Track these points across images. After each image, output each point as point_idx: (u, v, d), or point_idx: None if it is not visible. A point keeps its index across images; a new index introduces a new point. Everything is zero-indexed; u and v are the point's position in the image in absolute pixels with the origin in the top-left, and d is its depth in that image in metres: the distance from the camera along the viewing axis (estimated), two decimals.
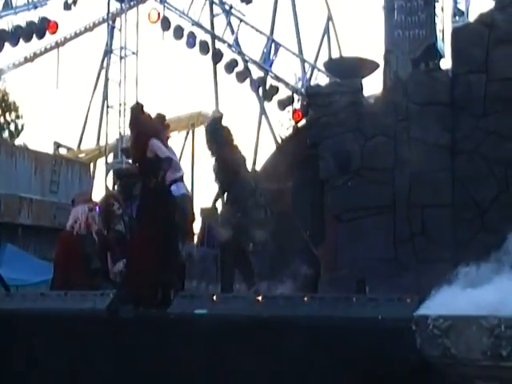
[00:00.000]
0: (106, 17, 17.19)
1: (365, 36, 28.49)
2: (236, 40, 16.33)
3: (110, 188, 13.87)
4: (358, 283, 6.79)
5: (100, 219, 5.98)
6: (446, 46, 10.90)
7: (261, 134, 18.36)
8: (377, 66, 12.11)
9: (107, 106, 16.59)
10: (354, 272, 7.68)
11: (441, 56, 11.08)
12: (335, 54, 17.85)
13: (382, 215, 8.25)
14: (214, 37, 16.41)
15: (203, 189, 14.43)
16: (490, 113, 8.11)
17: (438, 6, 12.51)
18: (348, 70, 11.44)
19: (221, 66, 16.42)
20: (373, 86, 11.43)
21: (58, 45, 18.29)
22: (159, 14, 15.95)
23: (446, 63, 10.39)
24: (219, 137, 6.32)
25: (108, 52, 16.91)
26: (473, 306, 2.56)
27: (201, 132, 14.89)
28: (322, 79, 15.26)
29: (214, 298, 4.51)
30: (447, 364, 2.62)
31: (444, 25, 12.28)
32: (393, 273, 7.70)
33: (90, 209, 5.99)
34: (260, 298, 4.32)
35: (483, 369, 2.53)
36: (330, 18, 19.32)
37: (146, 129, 5.55)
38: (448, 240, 7.75)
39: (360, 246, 8.03)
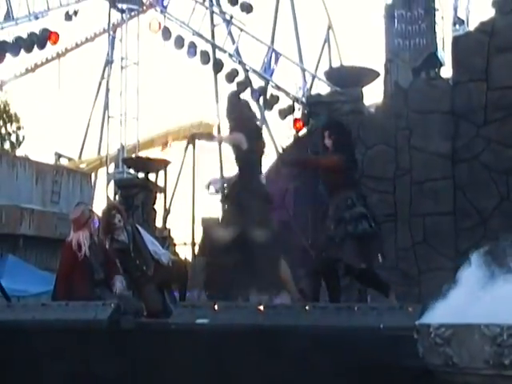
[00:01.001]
0: (106, 27, 17.29)
1: (365, 45, 28.61)
2: (237, 50, 16.40)
3: (111, 198, 13.89)
4: (360, 292, 6.78)
5: (101, 231, 5.95)
6: (446, 54, 10.95)
7: None
8: (377, 74, 12.16)
9: (108, 116, 16.66)
10: (356, 281, 7.66)
11: (441, 64, 11.13)
12: (336, 63, 17.93)
13: (384, 224, 8.26)
14: (214, 46, 16.49)
15: (203, 199, 14.44)
16: (491, 121, 8.14)
17: (438, 14, 12.57)
18: (348, 79, 11.49)
19: (222, 75, 16.49)
20: (373, 94, 11.47)
21: (59, 55, 18.39)
22: (160, 24, 16.04)
23: (446, 72, 10.44)
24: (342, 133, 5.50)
25: (109, 62, 17.00)
26: (475, 314, 2.56)
27: (201, 142, 14.91)
28: (322, 88, 15.30)
29: (216, 307, 4.51)
30: (449, 373, 2.61)
31: (444, 33, 12.34)
32: (394, 281, 7.70)
33: (90, 233, 5.92)
34: (262, 307, 4.32)
35: (485, 378, 2.52)
36: (330, 27, 19.41)
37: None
38: (450, 248, 7.76)
39: None
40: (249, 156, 5.41)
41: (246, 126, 5.42)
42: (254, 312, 4.33)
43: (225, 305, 4.88)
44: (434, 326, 2.63)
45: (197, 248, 11.98)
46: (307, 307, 4.16)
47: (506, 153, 7.97)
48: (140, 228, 6.12)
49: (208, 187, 5.60)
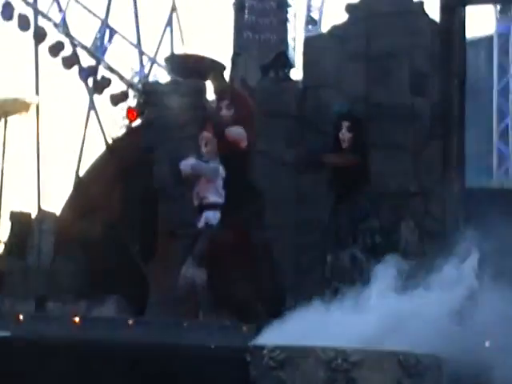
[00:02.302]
0: None
1: (212, 33, 28.91)
2: (64, 19, 15.85)
3: None
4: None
5: None
6: (298, 55, 11.37)
7: (88, 131, 17.89)
8: (223, 68, 12.36)
9: None
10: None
11: (291, 65, 11.52)
12: (178, 50, 17.94)
13: None
14: (36, 12, 15.80)
15: (13, 188, 13.78)
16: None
17: (290, 11, 13.02)
18: (191, 69, 11.54)
19: (45, 47, 15.85)
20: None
21: None
22: None
23: (297, 74, 10.83)
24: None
25: None
26: (309, 336, 2.70)
27: (15, 121, 14.23)
28: (161, 76, 15.25)
29: (21, 317, 4.35)
30: None
31: (296, 33, 12.83)
32: None
33: None
34: (77, 319, 4.23)
35: None
36: (174, 9, 19.36)
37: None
38: (290, 264, 7.91)
39: None
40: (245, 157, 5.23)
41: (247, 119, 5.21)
42: (68, 324, 4.23)
43: (32, 315, 4.71)
44: (269, 348, 2.73)
45: (2, 246, 11.43)
46: (130, 321, 4.14)
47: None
48: None
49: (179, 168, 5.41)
